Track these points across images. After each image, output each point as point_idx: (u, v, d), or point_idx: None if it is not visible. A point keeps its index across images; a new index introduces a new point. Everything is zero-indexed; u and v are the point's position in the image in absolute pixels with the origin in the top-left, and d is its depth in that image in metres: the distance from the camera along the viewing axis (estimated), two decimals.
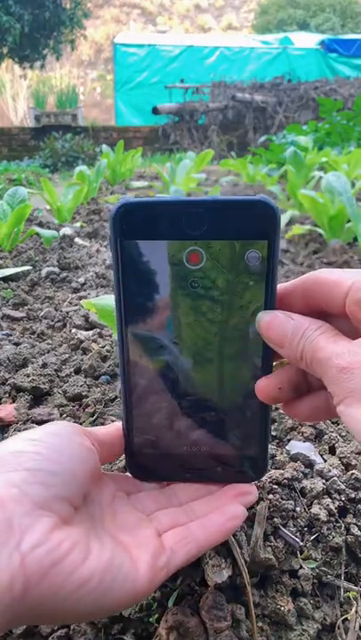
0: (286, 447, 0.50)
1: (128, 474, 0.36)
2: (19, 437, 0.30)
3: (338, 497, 0.44)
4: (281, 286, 0.31)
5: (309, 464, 0.48)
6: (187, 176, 2.59)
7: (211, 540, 0.32)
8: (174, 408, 0.33)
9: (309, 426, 0.53)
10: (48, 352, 0.76)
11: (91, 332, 0.81)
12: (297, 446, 0.50)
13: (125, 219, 0.30)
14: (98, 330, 0.82)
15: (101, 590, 0.26)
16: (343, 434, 0.53)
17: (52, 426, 0.32)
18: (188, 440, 0.34)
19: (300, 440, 0.51)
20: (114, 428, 0.35)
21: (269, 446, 0.42)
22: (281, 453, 0.49)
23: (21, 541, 0.24)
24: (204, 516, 0.33)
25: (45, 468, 0.28)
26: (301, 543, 0.41)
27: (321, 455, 0.49)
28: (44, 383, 0.64)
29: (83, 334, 0.81)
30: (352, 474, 0.45)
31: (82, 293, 1.09)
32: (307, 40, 10.51)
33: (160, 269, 0.30)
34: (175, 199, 0.31)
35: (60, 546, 0.26)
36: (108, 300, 0.60)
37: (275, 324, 0.30)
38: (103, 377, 0.66)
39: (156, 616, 0.37)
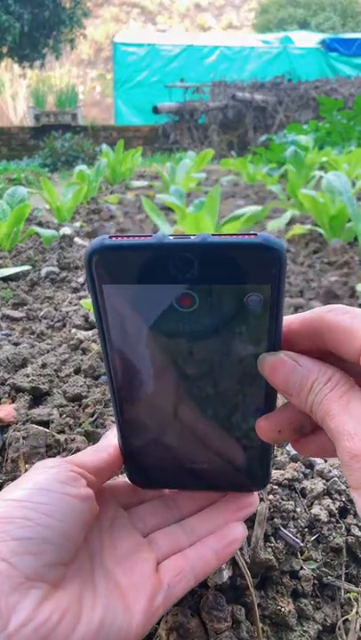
0: (286, 447, 0.50)
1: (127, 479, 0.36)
2: (6, 497, 0.28)
3: (338, 497, 0.43)
4: (286, 321, 0.28)
5: (310, 464, 0.48)
6: (187, 175, 2.59)
7: (208, 571, 0.32)
8: (173, 420, 0.32)
9: None
10: (48, 352, 0.76)
11: (90, 332, 0.81)
12: None
13: (101, 263, 0.26)
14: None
15: None
16: None
17: (41, 476, 0.29)
18: (188, 450, 0.33)
19: None
20: (112, 448, 0.34)
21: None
22: (281, 454, 0.49)
23: (8, 623, 0.24)
24: (203, 542, 0.32)
25: (35, 536, 0.26)
26: (302, 544, 0.40)
27: None
28: (43, 383, 0.64)
29: (82, 334, 0.81)
30: None
31: (81, 293, 1.09)
32: (307, 39, 10.51)
33: (147, 313, 0.27)
34: (161, 242, 0.25)
35: (49, 619, 0.25)
36: None
37: (280, 368, 0.27)
38: (103, 377, 0.66)
39: None
